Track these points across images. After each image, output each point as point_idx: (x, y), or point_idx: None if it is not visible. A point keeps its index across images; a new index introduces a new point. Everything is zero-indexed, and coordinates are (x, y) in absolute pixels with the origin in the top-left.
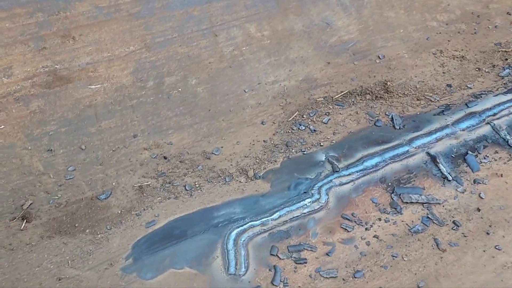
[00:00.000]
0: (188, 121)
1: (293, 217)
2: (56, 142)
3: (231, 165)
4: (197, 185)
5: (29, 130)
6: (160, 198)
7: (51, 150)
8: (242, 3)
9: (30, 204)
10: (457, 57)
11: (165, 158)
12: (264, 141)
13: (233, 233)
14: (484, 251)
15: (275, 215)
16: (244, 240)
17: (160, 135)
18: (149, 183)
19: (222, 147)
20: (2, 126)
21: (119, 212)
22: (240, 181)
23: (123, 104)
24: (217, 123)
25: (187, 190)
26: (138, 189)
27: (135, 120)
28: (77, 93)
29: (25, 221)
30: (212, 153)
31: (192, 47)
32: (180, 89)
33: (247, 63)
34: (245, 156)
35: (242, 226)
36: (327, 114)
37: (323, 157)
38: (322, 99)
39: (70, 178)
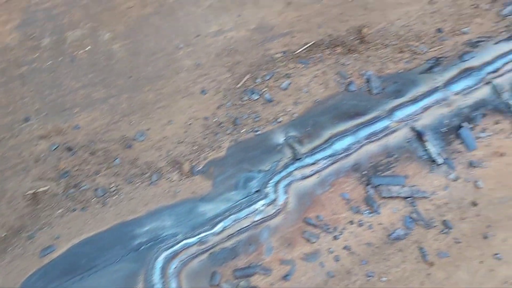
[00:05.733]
0: (101, 94)
1: (242, 229)
2: None
3: (160, 155)
4: (113, 188)
5: None
6: (61, 210)
7: None
8: None
9: None
10: None
11: (69, 149)
12: (205, 118)
13: (160, 259)
14: (481, 262)
15: (218, 227)
16: (175, 267)
17: (62, 116)
18: (47, 188)
19: (148, 130)
20: None
21: (3, 236)
22: (171, 180)
23: (8, 73)
24: (141, 95)
25: (99, 197)
26: (31, 198)
27: (27, 96)
28: None
29: None
30: (135, 138)
31: None
32: (88, 48)
33: (181, 7)
34: (179, 142)
35: (172, 246)
36: (287, 76)
37: (281, 139)
38: (281, 54)
39: None
